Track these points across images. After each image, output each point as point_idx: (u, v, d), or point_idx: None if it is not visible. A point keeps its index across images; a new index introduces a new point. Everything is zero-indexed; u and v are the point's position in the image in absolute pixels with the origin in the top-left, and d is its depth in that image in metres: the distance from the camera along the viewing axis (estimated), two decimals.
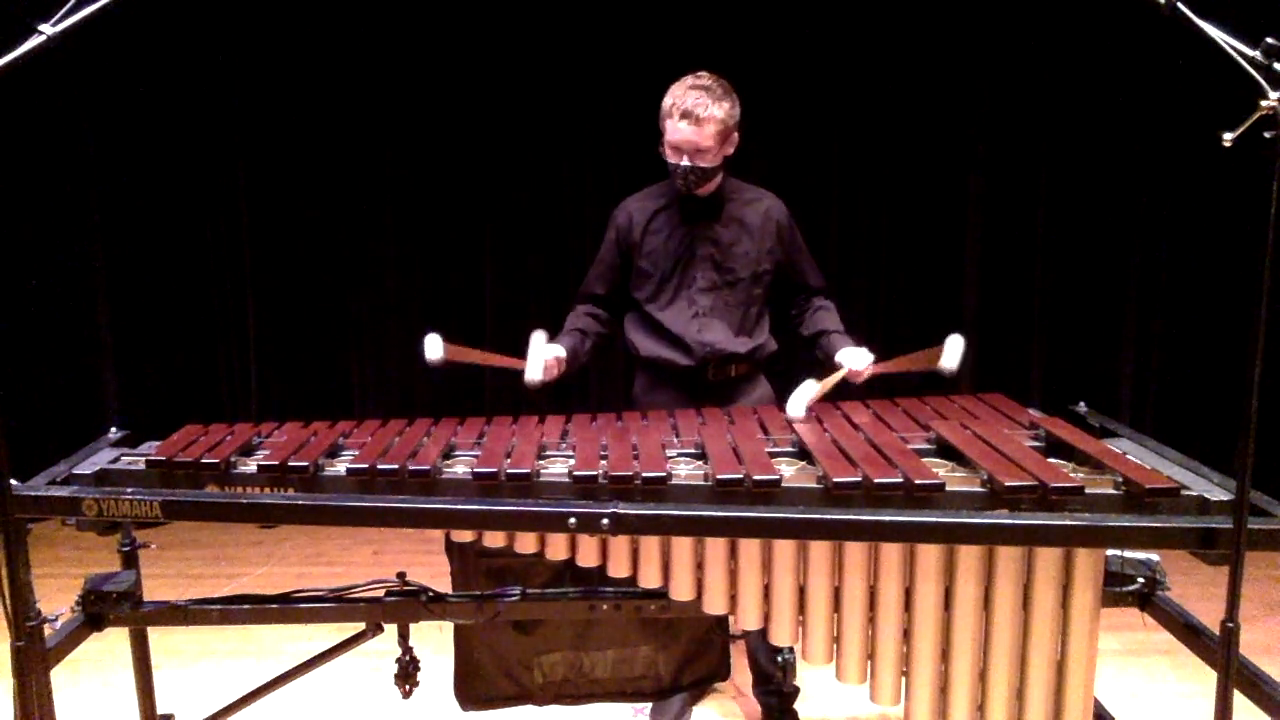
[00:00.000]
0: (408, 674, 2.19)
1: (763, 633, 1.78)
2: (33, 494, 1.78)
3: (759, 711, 2.76)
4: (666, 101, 2.37)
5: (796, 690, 2.71)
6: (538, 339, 2.37)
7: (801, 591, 1.73)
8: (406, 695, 2.20)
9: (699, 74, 2.39)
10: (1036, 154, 4.29)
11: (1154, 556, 2.03)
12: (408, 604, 2.11)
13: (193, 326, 4.57)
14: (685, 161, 2.36)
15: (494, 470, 1.78)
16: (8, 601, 1.69)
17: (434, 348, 2.29)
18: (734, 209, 2.52)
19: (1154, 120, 4.16)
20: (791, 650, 2.08)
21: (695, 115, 2.31)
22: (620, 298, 2.61)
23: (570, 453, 1.94)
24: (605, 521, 1.68)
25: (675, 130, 2.34)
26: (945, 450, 1.92)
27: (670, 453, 1.92)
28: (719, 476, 1.73)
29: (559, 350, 2.43)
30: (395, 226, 4.50)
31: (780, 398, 2.55)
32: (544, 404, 2.26)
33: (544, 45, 4.27)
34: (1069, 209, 4.31)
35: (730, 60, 4.13)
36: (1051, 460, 1.84)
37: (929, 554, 1.67)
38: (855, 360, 2.36)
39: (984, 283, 4.39)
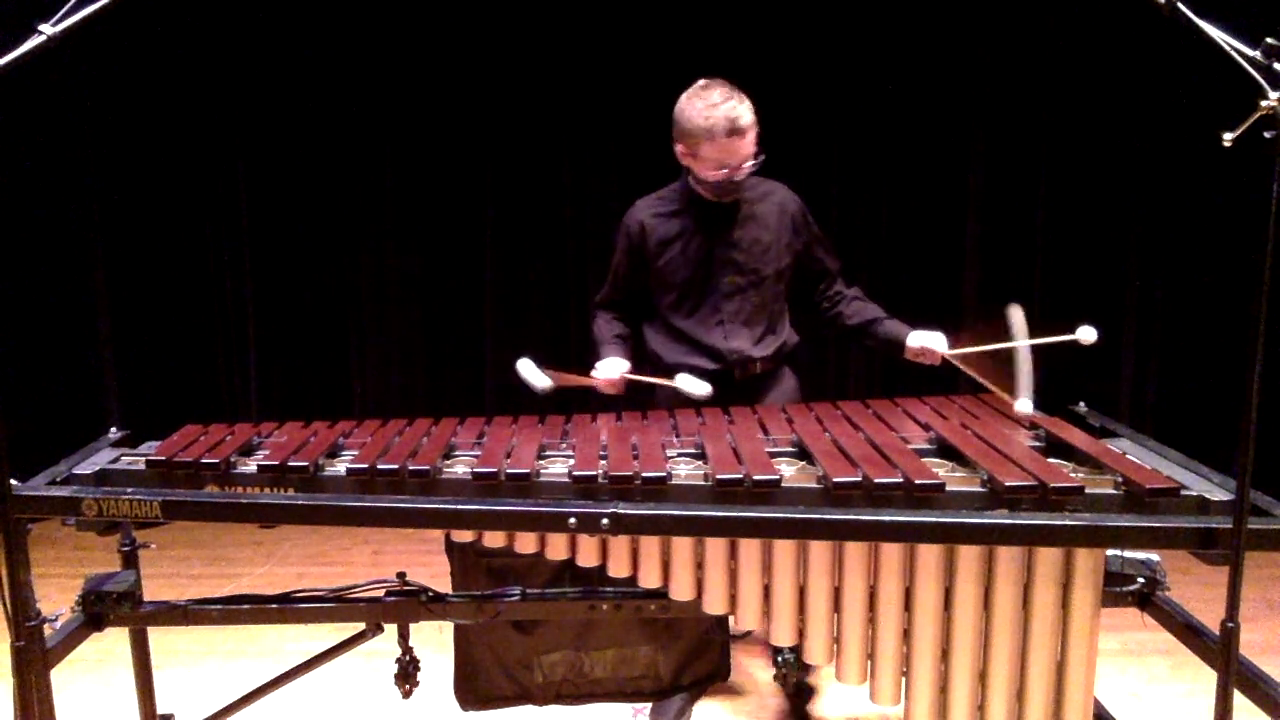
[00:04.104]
0: (408, 674, 2.19)
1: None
2: (33, 494, 1.78)
3: (759, 711, 2.76)
4: (698, 123, 2.29)
5: (812, 690, 2.70)
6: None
7: (801, 591, 1.73)
8: (406, 695, 2.21)
9: (707, 84, 2.33)
10: (1036, 154, 4.28)
11: (1154, 556, 2.03)
12: (408, 604, 2.11)
13: (193, 326, 4.57)
14: (738, 176, 2.33)
15: (494, 470, 1.78)
16: (8, 601, 1.69)
17: (538, 375, 2.33)
18: (748, 207, 2.48)
19: (1153, 120, 4.16)
20: (792, 650, 2.08)
21: (740, 128, 2.28)
22: (638, 305, 2.58)
23: (570, 453, 1.94)
24: (605, 521, 1.68)
25: (723, 149, 2.30)
26: (945, 450, 1.92)
27: (670, 453, 1.92)
28: (719, 476, 1.73)
29: (625, 363, 2.44)
30: (395, 226, 4.50)
31: (805, 389, 2.60)
32: (544, 404, 2.26)
33: (543, 45, 4.26)
34: (1068, 209, 4.31)
35: (729, 54, 4.14)
36: (1051, 460, 1.84)
37: (929, 554, 1.67)
38: (936, 342, 2.38)
39: (983, 282, 4.39)
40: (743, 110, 2.29)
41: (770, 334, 2.53)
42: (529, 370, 2.33)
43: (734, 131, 2.28)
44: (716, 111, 2.28)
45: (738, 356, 2.47)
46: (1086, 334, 2.19)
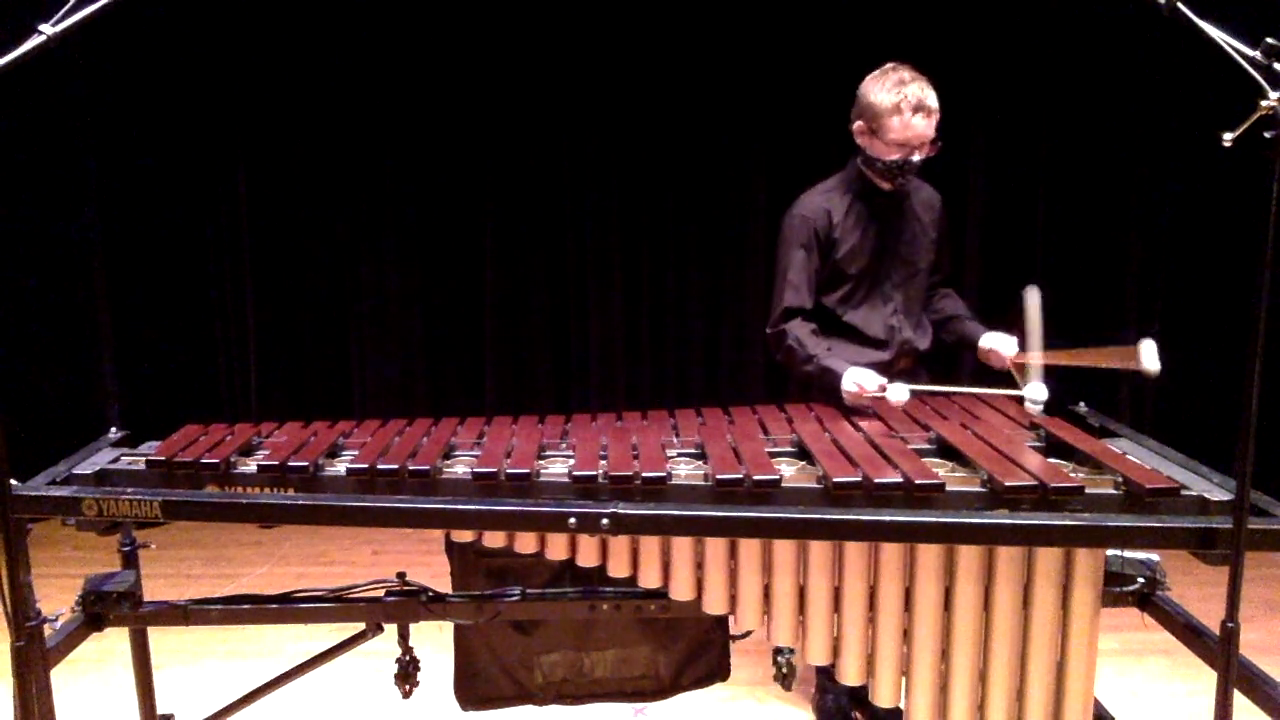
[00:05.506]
0: (408, 674, 2.19)
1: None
2: (33, 494, 1.78)
3: (758, 711, 2.75)
4: (885, 99, 2.33)
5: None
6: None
7: (801, 591, 1.73)
8: (406, 695, 2.21)
9: (896, 66, 2.37)
10: (1036, 154, 4.29)
11: (1154, 556, 2.03)
12: (408, 604, 2.11)
13: (193, 326, 4.57)
14: (915, 157, 2.36)
15: (494, 470, 1.78)
16: (8, 601, 1.69)
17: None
18: (909, 200, 2.53)
19: (1153, 119, 4.16)
20: (792, 650, 2.08)
21: (929, 108, 2.32)
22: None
23: (570, 453, 1.94)
24: (605, 521, 1.68)
25: (909, 126, 2.33)
26: (945, 450, 1.92)
27: (670, 453, 1.92)
28: (719, 476, 1.73)
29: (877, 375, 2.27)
30: (395, 226, 4.51)
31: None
32: (543, 404, 2.26)
33: (543, 45, 4.27)
34: (1068, 208, 4.31)
35: (727, 54, 4.15)
36: (1051, 460, 1.84)
37: (929, 554, 1.67)
38: (1005, 345, 2.38)
39: (983, 282, 4.39)
40: (930, 93, 2.33)
41: (922, 326, 2.58)
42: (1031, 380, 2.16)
43: (920, 109, 2.31)
44: (906, 88, 2.32)
45: (906, 348, 2.50)
46: (1150, 361, 2.07)
